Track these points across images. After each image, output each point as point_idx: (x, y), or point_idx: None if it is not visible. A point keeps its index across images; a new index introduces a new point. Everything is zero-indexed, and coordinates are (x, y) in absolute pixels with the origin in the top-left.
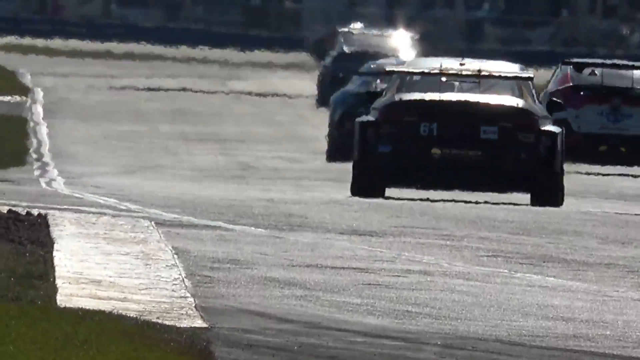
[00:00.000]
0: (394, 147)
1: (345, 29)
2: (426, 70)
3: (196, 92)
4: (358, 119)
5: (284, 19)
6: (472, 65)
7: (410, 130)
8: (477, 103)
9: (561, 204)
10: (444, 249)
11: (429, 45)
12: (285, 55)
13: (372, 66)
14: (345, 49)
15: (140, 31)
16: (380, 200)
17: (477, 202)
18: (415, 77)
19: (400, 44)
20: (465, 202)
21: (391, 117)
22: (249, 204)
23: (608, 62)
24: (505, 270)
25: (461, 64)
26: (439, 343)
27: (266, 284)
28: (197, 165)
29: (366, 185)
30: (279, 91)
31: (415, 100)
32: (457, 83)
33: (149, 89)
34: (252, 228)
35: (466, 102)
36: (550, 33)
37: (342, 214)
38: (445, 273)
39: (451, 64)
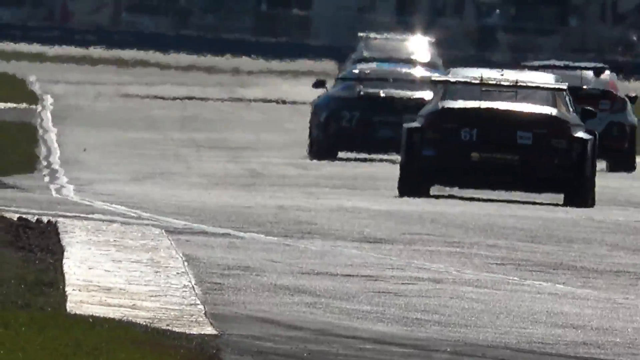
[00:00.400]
0: (437, 151)
1: (365, 34)
2: (468, 80)
3: (206, 99)
4: (405, 125)
5: (293, 26)
6: (510, 75)
7: (453, 135)
8: (514, 111)
9: (592, 205)
10: (453, 257)
11: (442, 52)
12: (295, 62)
13: (353, 71)
14: (365, 53)
15: (150, 38)
16: (390, 208)
17: (509, 201)
18: (458, 87)
19: (418, 49)
20: (507, 201)
21: (435, 124)
22: (258, 211)
23: (560, 64)
24: (515, 278)
25: (500, 75)
26: (448, 350)
27: (276, 291)
28: (207, 172)
29: (412, 185)
30: (289, 98)
31: (458, 108)
32: (496, 92)
33: (159, 97)
34: (262, 235)
35: (504, 110)
36: (559, 41)
37: (352, 221)
38: (454, 280)
39: (491, 74)
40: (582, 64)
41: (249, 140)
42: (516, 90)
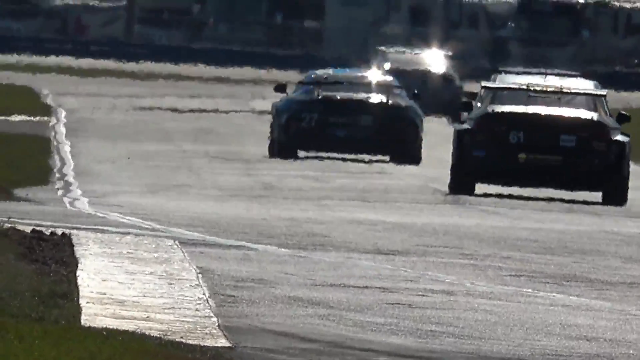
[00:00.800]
0: (487, 151)
1: (383, 48)
2: (515, 86)
3: (219, 111)
4: (456, 127)
5: (306, 38)
6: (554, 82)
7: (501, 137)
8: (558, 115)
9: (625, 202)
10: (467, 269)
11: (457, 64)
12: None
13: (312, 76)
14: (386, 66)
15: (163, 51)
16: (404, 220)
17: (550, 199)
18: (505, 92)
19: (433, 61)
20: (548, 199)
21: (485, 126)
22: (272, 224)
23: (534, 70)
24: (529, 290)
25: (544, 81)
26: None
27: (290, 304)
28: (220, 184)
29: (462, 183)
30: None
31: (506, 112)
32: (541, 97)
33: (172, 109)
34: (276, 247)
35: (549, 115)
36: (572, 52)
37: (365, 233)
38: (468, 292)
39: (536, 80)
40: (556, 71)
41: (262, 152)
42: (560, 96)
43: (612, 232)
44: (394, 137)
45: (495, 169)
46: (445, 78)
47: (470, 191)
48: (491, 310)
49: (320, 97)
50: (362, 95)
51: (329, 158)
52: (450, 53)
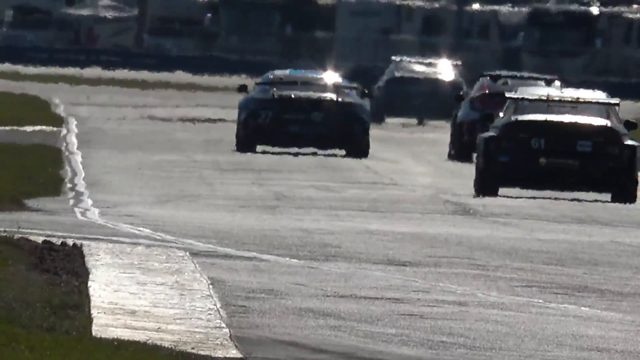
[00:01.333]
0: (511, 157)
1: (397, 58)
2: (536, 97)
3: (230, 121)
4: (482, 135)
5: (317, 48)
6: (570, 93)
7: (524, 144)
8: (576, 123)
9: (635, 200)
10: (478, 279)
11: (469, 73)
12: None
13: (270, 77)
14: (396, 73)
15: (174, 61)
16: (415, 230)
17: (562, 199)
18: (527, 102)
19: (443, 70)
20: (560, 199)
21: (509, 134)
22: (283, 234)
23: (517, 74)
24: (540, 301)
25: (562, 92)
26: None
27: (301, 314)
28: (231, 194)
29: (489, 186)
30: None
31: (529, 121)
32: (559, 107)
33: (183, 119)
34: (287, 258)
35: (567, 122)
36: (584, 63)
37: (377, 244)
38: (479, 303)
39: (554, 91)
40: (535, 75)
41: (273, 163)
42: (577, 105)
43: (623, 243)
44: (343, 133)
45: (519, 173)
46: (454, 86)
47: (494, 193)
48: (502, 321)
49: (275, 96)
50: (314, 94)
51: (287, 153)
52: (459, 63)
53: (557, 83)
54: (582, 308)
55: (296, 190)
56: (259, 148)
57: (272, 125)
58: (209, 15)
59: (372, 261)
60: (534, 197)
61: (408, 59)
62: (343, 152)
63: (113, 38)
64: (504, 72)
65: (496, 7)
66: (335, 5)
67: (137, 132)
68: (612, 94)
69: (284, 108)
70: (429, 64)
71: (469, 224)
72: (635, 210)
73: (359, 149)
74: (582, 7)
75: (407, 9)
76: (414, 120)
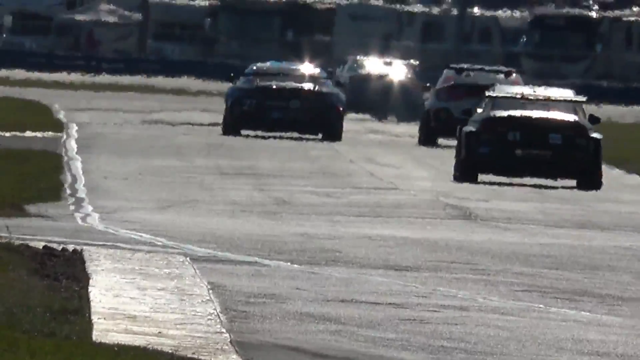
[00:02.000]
0: (490, 148)
1: (353, 56)
2: (511, 95)
3: None
4: (464, 129)
5: (318, 53)
6: (541, 91)
7: (502, 137)
8: (547, 118)
9: (600, 187)
10: (479, 284)
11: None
12: None
13: (253, 68)
14: (360, 71)
15: (175, 66)
16: (415, 235)
17: (535, 186)
18: (504, 100)
19: (399, 69)
20: (532, 186)
21: (488, 128)
22: (283, 239)
23: (479, 67)
24: (541, 305)
25: (534, 91)
26: None
27: (301, 319)
28: (232, 200)
29: (469, 175)
30: None
31: (506, 116)
32: (532, 104)
33: (184, 124)
34: (287, 263)
35: (540, 118)
36: (585, 67)
37: (377, 249)
38: (480, 308)
39: (527, 90)
40: (495, 68)
41: (274, 168)
42: (548, 103)
43: (624, 247)
44: (320, 119)
45: (497, 163)
46: (411, 85)
47: (474, 180)
48: (503, 326)
49: (258, 86)
50: (293, 84)
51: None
52: (415, 62)
53: (514, 75)
54: (583, 312)
55: (297, 195)
56: (243, 132)
57: (255, 112)
58: (208, 20)
59: (373, 266)
60: (511, 184)
61: (364, 58)
62: (320, 135)
63: (115, 43)
64: (467, 65)
65: (497, 12)
66: (335, 10)
67: (138, 137)
68: (612, 99)
69: (266, 96)
70: (387, 63)
71: (470, 228)
72: (636, 215)
73: (333, 133)
74: (583, 12)
75: (408, 14)
76: (370, 117)
